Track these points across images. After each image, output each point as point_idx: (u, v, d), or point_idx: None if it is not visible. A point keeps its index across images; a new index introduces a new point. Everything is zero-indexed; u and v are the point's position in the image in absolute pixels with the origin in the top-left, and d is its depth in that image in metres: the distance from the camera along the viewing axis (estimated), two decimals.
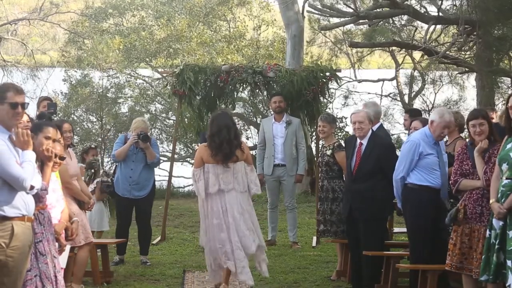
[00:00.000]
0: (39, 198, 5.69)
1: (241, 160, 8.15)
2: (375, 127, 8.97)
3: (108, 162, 19.75)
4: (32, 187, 5.26)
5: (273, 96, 11.31)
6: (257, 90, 12.44)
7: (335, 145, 9.19)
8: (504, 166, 6.32)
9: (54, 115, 9.39)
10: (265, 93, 12.57)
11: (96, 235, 10.28)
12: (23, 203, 5.25)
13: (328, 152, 9.19)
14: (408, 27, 17.44)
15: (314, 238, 11.37)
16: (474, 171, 6.91)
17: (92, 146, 11.62)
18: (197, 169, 8.18)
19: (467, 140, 7.43)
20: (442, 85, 21.25)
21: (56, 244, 6.03)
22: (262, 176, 11.28)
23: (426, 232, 7.56)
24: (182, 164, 21.29)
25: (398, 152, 9.27)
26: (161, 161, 13.58)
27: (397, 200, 7.99)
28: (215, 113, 8.70)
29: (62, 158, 6.58)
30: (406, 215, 7.89)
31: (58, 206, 6.37)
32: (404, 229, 10.65)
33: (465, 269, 6.89)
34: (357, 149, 8.22)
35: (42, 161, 5.90)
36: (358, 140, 8.25)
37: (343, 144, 9.05)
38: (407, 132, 9.61)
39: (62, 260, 6.47)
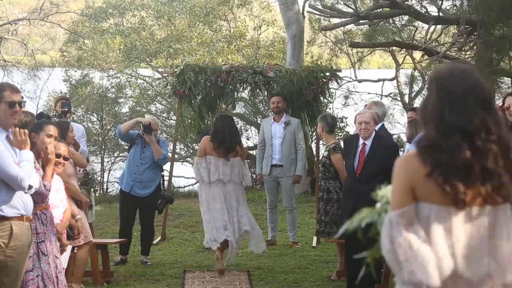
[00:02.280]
0: (42, 197, 5.69)
1: (239, 156, 9.30)
2: (377, 127, 9.01)
3: (108, 162, 19.77)
4: (30, 187, 5.26)
5: (271, 96, 11.31)
6: (258, 90, 12.43)
7: (331, 147, 9.19)
8: None
9: (69, 113, 9.46)
10: (265, 93, 12.56)
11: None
12: (21, 203, 5.24)
13: (325, 154, 9.24)
14: (408, 27, 17.41)
15: (314, 238, 11.37)
16: None
17: None
18: (200, 158, 9.27)
19: None
20: None
21: (58, 244, 6.04)
22: (261, 176, 11.28)
23: None
24: (182, 164, 21.28)
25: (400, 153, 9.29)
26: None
27: None
28: (218, 114, 10.01)
29: (66, 159, 6.60)
30: None
31: (61, 206, 6.38)
32: None
33: None
34: (361, 150, 8.19)
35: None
36: (361, 141, 8.22)
37: (342, 145, 9.05)
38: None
39: (64, 259, 6.47)
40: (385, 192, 2.98)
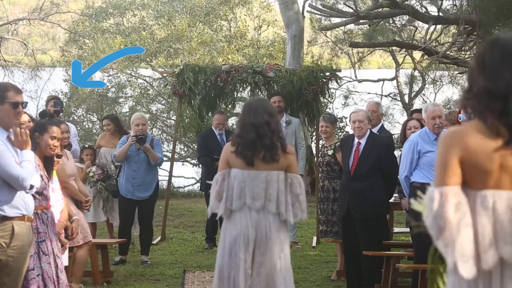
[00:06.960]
0: (46, 197, 5.73)
1: None
2: (377, 128, 9.06)
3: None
4: (31, 187, 5.27)
5: (272, 96, 11.30)
6: (257, 90, 12.43)
7: (337, 145, 9.17)
8: None
9: (61, 113, 9.47)
10: (265, 93, 12.56)
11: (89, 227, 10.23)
12: (23, 203, 5.26)
13: (329, 152, 9.18)
14: (408, 27, 17.42)
15: (314, 238, 11.37)
16: None
17: (86, 145, 11.52)
18: None
19: None
20: (442, 85, 21.26)
21: (59, 243, 6.05)
22: None
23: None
24: (182, 164, 21.30)
25: (399, 152, 9.31)
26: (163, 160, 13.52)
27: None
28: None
29: (59, 156, 6.60)
30: (411, 214, 7.93)
31: (58, 206, 6.39)
32: (404, 229, 10.67)
33: None
34: (355, 149, 8.24)
35: (46, 161, 5.91)
36: (356, 140, 8.27)
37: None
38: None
39: (64, 258, 6.48)
40: None
